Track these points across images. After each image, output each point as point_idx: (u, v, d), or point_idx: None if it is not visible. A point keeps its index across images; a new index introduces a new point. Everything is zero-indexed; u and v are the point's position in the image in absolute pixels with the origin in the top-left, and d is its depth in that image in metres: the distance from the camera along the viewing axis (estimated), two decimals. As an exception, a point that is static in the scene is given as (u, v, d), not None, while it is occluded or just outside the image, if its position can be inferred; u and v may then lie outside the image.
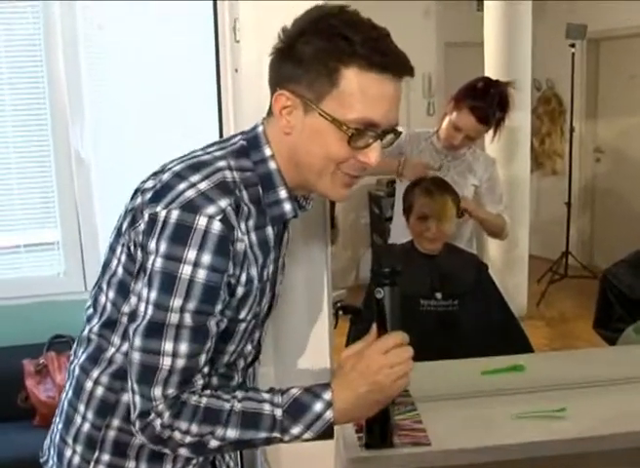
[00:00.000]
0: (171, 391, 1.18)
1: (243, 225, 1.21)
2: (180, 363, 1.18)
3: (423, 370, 2.14)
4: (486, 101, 2.79)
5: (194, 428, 1.18)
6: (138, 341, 1.19)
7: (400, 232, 2.89)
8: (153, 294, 1.17)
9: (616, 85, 5.87)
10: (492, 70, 4.88)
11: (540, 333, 4.89)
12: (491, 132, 2.91)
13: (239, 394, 1.23)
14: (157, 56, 2.89)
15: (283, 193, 1.28)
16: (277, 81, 1.24)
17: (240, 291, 1.24)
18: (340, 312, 2.06)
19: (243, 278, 1.23)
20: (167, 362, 1.17)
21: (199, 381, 1.21)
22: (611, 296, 2.95)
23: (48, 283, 3.19)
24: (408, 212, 2.69)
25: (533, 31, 4.97)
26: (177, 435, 1.18)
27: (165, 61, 2.88)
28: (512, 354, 2.47)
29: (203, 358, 1.21)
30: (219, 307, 1.20)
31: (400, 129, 2.91)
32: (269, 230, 1.29)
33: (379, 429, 1.53)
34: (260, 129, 1.29)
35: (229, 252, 1.18)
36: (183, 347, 1.17)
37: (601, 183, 6.22)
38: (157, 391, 1.18)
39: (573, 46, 5.27)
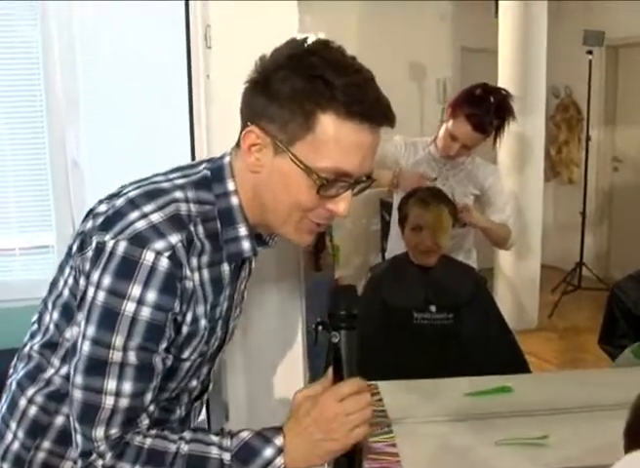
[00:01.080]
0: (113, 431, 1.12)
1: (195, 261, 1.15)
2: (124, 402, 1.11)
3: (404, 388, 2.09)
4: (482, 109, 2.69)
5: None
6: (79, 379, 1.12)
7: (396, 243, 2.81)
8: (91, 330, 1.10)
9: (635, 93, 5.73)
10: (506, 76, 4.80)
11: (550, 346, 4.78)
12: (491, 140, 2.81)
13: (187, 435, 1.16)
14: (145, 61, 2.84)
15: (243, 230, 1.22)
16: (249, 115, 1.17)
17: (185, 330, 1.17)
18: (320, 328, 1.97)
19: (189, 317, 1.17)
20: (109, 401, 1.11)
21: (144, 421, 1.15)
22: (617, 312, 2.83)
23: (42, 286, 3.13)
24: (403, 222, 2.60)
25: (551, 37, 4.88)
26: None
27: (152, 66, 2.82)
28: (506, 372, 2.39)
29: (149, 396, 1.15)
30: (164, 345, 1.14)
31: (397, 137, 2.85)
32: (225, 267, 1.23)
33: (346, 463, 1.44)
34: (227, 160, 1.22)
35: (176, 289, 1.12)
36: (127, 386, 1.11)
37: (619, 193, 6.08)
38: (99, 431, 1.11)
39: (590, 53, 5.14)
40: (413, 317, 2.51)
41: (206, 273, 1.18)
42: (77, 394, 1.12)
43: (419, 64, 5.60)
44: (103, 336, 1.10)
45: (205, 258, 1.17)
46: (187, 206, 1.16)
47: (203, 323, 1.20)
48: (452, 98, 2.85)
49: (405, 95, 5.52)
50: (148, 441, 1.14)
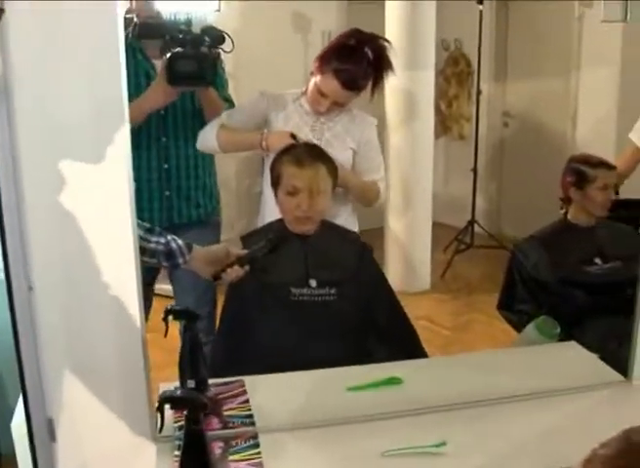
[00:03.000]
0: None
1: None
2: None
3: (276, 384, 1.72)
4: (354, 63, 2.33)
5: None
6: None
7: (270, 210, 2.43)
8: None
9: (524, 47, 5.49)
10: (394, 28, 4.45)
11: (444, 308, 4.54)
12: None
13: None
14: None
15: None
16: None
17: None
18: (171, 317, 1.57)
19: None
20: None
21: None
22: (516, 275, 2.58)
23: None
24: (276, 185, 2.21)
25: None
26: None
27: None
28: (398, 356, 2.07)
29: None
30: None
31: (260, 92, 2.46)
32: None
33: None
34: None
35: None
36: None
37: (509, 149, 5.88)
38: None
39: (481, 3, 4.84)
40: (290, 293, 2.14)
41: None
42: None
43: (303, 16, 5.17)
44: None
45: None
46: None
47: None
48: (322, 49, 2.46)
49: (289, 47, 5.11)
50: None
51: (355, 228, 2.58)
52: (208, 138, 2.44)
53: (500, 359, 1.97)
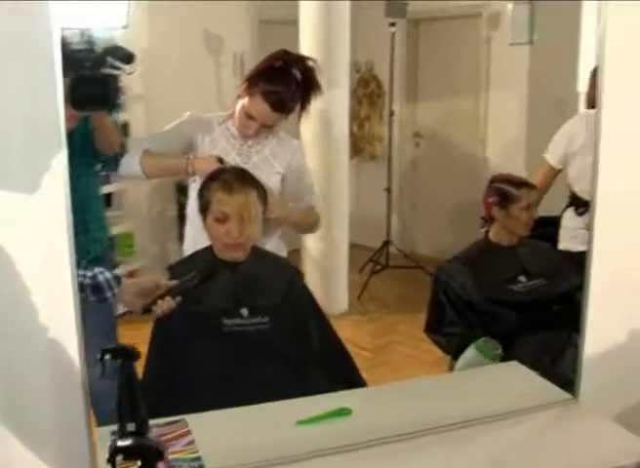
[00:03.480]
0: None
1: None
2: None
3: (221, 421, 1.63)
4: (283, 85, 2.31)
5: None
6: None
7: (196, 237, 2.37)
8: None
9: (435, 69, 5.60)
10: (308, 49, 4.43)
11: (363, 330, 4.52)
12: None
13: None
14: None
15: None
16: None
17: None
18: (107, 357, 1.47)
19: None
20: None
21: None
22: (442, 297, 2.55)
23: None
24: (205, 211, 2.13)
25: (353, 10, 4.56)
26: None
27: None
28: (337, 383, 2.05)
29: None
30: None
31: (186, 115, 2.39)
32: None
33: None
34: None
35: None
36: None
37: (420, 169, 5.96)
38: None
39: (393, 25, 4.90)
40: (222, 324, 2.07)
41: None
42: None
43: (214, 35, 5.10)
44: None
45: None
46: None
47: None
48: (249, 71, 2.42)
49: (200, 67, 5.02)
50: None
51: (284, 253, 2.54)
52: (131, 164, 2.34)
53: (445, 384, 1.95)
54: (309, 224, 2.62)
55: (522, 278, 2.53)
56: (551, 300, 2.52)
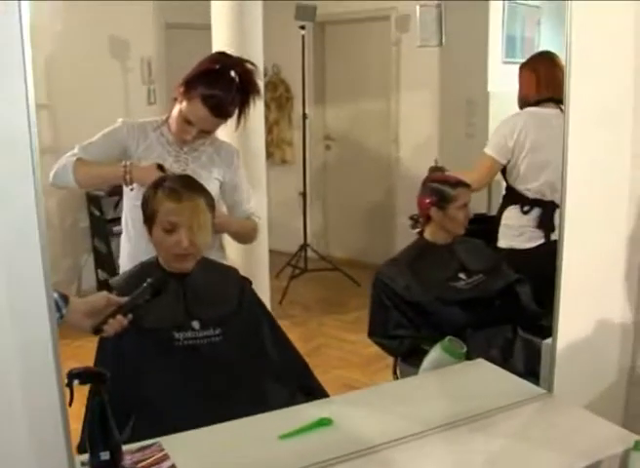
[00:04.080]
0: None
1: None
2: None
3: (198, 441, 1.50)
4: (222, 88, 2.23)
5: None
6: None
7: (134, 249, 2.29)
8: None
9: (343, 71, 5.62)
10: (220, 54, 4.35)
11: (291, 335, 4.46)
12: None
13: None
14: None
15: None
16: None
17: None
18: (76, 382, 1.37)
19: None
20: None
21: None
22: (386, 301, 2.52)
23: None
24: (150, 222, 2.02)
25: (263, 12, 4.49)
26: None
27: None
28: (296, 393, 2.01)
29: None
30: None
31: (119, 122, 2.28)
32: None
33: None
34: None
35: None
36: None
37: (331, 172, 5.97)
38: None
39: (303, 28, 4.88)
40: (174, 338, 1.97)
41: None
42: None
43: (120, 40, 4.93)
44: None
45: None
46: None
47: None
48: (186, 74, 2.32)
49: (107, 74, 4.84)
50: None
51: (224, 262, 2.47)
52: (63, 174, 2.21)
53: (419, 386, 1.92)
54: (248, 233, 2.56)
55: (462, 275, 2.55)
56: (492, 296, 2.54)
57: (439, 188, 2.58)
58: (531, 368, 2.34)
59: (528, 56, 3.13)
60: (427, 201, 2.60)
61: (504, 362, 2.26)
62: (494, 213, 3.74)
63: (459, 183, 2.59)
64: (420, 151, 5.03)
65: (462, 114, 4.71)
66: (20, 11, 1.07)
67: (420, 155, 4.99)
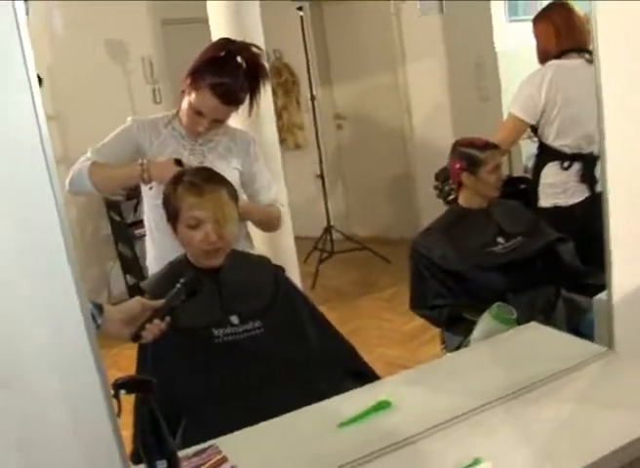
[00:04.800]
0: None
1: None
2: None
3: (254, 438, 1.43)
4: (230, 75, 2.13)
5: None
6: None
7: (160, 249, 2.24)
8: None
9: (345, 48, 5.50)
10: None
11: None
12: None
13: None
14: None
15: None
16: None
17: None
18: (123, 392, 1.30)
19: None
20: None
21: None
22: (424, 271, 2.44)
23: None
24: (174, 220, 1.95)
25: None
26: None
27: None
28: (345, 377, 1.94)
29: None
30: None
31: (129, 121, 2.20)
32: None
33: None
34: None
35: None
36: None
37: (346, 151, 5.87)
38: None
39: (300, 9, 4.77)
40: (213, 336, 1.90)
41: None
42: None
43: (118, 42, 4.85)
44: None
45: None
46: None
47: None
48: (191, 65, 2.24)
49: (109, 77, 4.77)
50: None
51: (253, 252, 2.39)
52: (79, 179, 2.14)
53: (476, 357, 1.83)
54: (271, 220, 2.47)
55: (500, 239, 2.46)
56: (532, 258, 2.45)
57: (467, 152, 2.48)
58: (574, 328, 2.27)
59: (532, 13, 3.01)
60: (457, 166, 2.50)
61: (549, 323, 2.17)
62: (516, 174, 3.67)
63: (487, 146, 2.49)
64: (433, 120, 4.92)
65: (472, 78, 4.61)
66: (18, 26, 0.99)
67: (433, 124, 4.89)
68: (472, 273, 2.38)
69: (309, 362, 1.95)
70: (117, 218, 4.83)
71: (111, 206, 4.84)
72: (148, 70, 5.07)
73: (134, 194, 4.15)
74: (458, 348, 2.22)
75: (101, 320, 1.52)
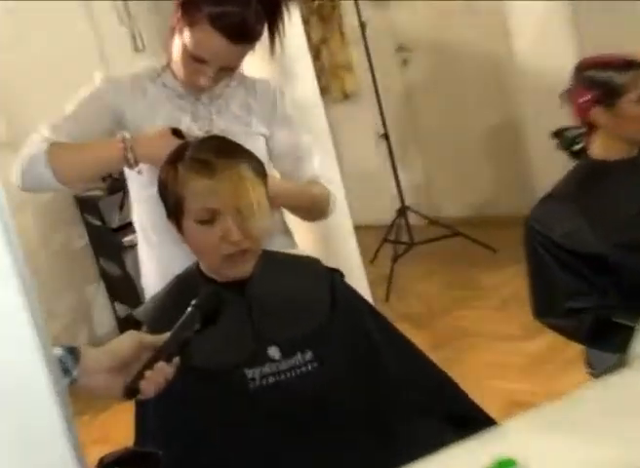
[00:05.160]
0: None
1: None
2: None
3: None
4: (237, 2, 2.11)
5: None
6: None
7: (160, 259, 2.28)
8: None
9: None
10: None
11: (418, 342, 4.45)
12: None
13: None
14: None
15: None
16: None
17: None
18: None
19: None
20: None
21: None
22: (548, 259, 2.45)
23: None
24: (177, 215, 1.95)
25: None
26: None
27: None
28: (445, 425, 1.95)
29: None
30: None
31: (98, 79, 2.23)
32: None
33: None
34: None
35: None
36: None
37: (418, 96, 5.90)
38: None
39: None
40: (246, 378, 1.91)
41: None
42: None
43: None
44: None
45: None
46: None
47: None
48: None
49: (68, 20, 4.88)
50: None
51: (296, 253, 2.41)
52: (35, 169, 2.15)
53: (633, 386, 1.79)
54: (316, 203, 2.47)
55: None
56: None
57: (600, 77, 2.47)
58: None
59: None
60: (584, 100, 2.48)
61: None
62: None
63: (629, 65, 2.45)
64: (545, 38, 4.85)
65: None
66: None
67: (546, 43, 4.82)
68: (621, 256, 2.38)
69: (389, 407, 1.96)
70: (96, 222, 4.92)
71: (86, 205, 4.93)
72: (121, 6, 5.14)
73: (117, 185, 4.22)
74: (611, 371, 2.18)
75: (78, 371, 1.50)
